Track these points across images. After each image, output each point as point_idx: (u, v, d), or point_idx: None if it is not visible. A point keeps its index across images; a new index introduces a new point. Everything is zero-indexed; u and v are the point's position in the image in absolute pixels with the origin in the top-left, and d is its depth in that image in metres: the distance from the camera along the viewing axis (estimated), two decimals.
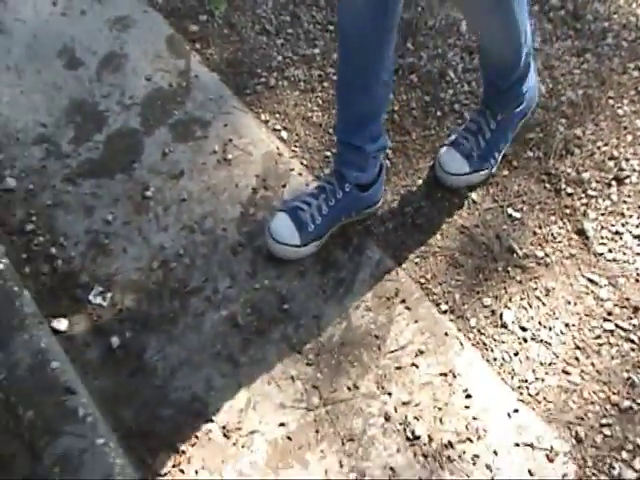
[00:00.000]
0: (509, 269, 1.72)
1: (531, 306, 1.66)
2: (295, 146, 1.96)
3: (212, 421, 1.49)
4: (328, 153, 1.95)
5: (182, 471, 1.42)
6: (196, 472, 1.42)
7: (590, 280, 1.69)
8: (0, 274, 1.57)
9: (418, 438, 1.46)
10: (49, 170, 1.88)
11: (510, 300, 1.67)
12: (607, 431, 1.48)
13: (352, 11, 1.51)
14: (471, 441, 1.46)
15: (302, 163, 1.91)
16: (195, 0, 2.30)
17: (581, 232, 1.77)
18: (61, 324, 1.61)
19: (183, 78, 2.07)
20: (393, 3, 1.48)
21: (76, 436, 1.31)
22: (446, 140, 1.86)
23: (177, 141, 1.94)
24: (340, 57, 1.62)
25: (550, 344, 1.60)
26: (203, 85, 2.07)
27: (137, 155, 1.92)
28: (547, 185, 1.87)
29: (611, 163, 1.89)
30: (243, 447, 1.46)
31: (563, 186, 1.86)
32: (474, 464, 1.43)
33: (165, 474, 1.41)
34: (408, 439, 1.47)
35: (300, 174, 1.89)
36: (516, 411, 1.50)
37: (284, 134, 2.01)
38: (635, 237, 1.76)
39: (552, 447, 1.45)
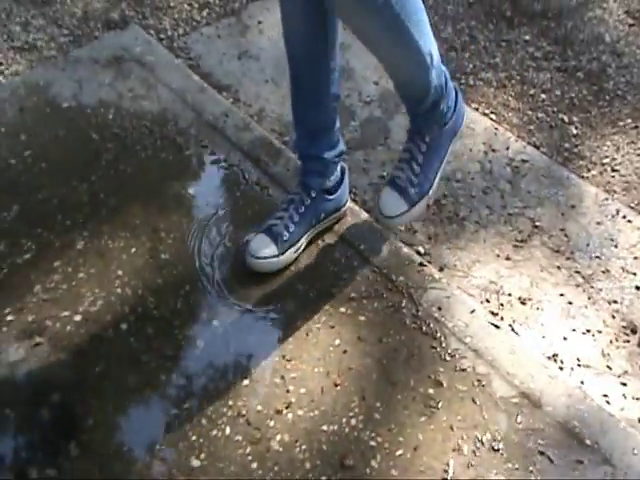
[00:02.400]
0: None
1: None
2: (504, 123, 2.56)
3: None
4: (530, 127, 2.54)
5: None
6: None
7: None
8: None
9: None
10: None
11: None
12: None
13: (295, 37, 1.63)
14: None
15: (513, 133, 2.49)
16: None
17: None
18: None
19: None
20: (331, 26, 1.59)
21: None
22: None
23: None
24: (290, 77, 1.71)
25: None
26: None
27: (387, 133, 2.50)
28: None
29: None
30: None
31: None
32: None
33: None
34: None
35: (516, 141, 2.47)
36: None
37: (492, 116, 2.61)
38: None
39: None
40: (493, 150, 2.44)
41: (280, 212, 1.80)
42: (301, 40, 1.63)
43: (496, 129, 2.53)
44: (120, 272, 1.81)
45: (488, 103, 2.67)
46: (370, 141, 2.44)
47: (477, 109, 2.63)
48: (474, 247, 2.13)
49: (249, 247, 1.78)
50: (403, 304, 1.79)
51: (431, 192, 1.81)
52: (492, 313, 1.89)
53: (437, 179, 1.82)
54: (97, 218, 1.93)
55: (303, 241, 1.84)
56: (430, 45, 1.51)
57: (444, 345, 1.72)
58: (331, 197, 1.86)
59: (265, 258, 1.77)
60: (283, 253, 1.78)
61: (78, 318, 1.71)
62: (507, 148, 2.45)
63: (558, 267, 2.07)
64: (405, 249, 1.93)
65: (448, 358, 1.69)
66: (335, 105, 1.76)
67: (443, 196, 2.28)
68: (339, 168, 1.87)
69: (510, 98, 2.69)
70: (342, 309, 1.78)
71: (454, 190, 2.30)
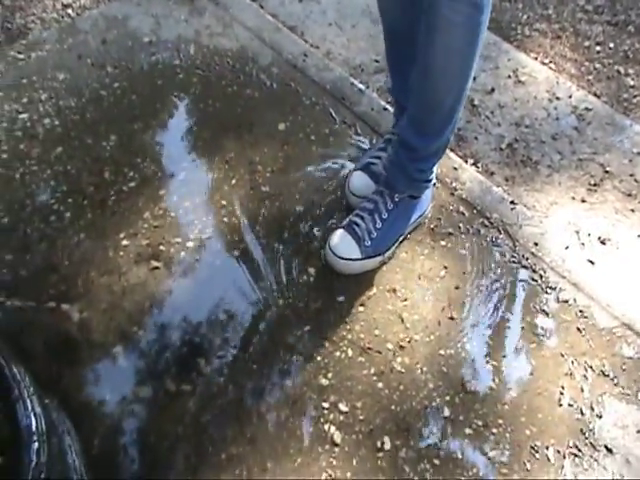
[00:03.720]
0: None
1: None
2: (564, 73, 2.61)
3: None
4: (589, 77, 2.59)
5: None
6: None
7: None
8: None
9: None
10: None
11: None
12: None
13: None
14: None
15: (573, 83, 2.55)
16: None
17: None
18: None
19: None
20: None
21: None
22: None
23: (481, 69, 2.58)
24: (384, 35, 1.74)
25: None
26: None
27: None
28: None
29: None
30: None
31: None
32: None
33: None
34: None
35: (577, 89, 2.52)
36: None
37: (552, 66, 2.66)
38: None
39: None
40: (557, 98, 2.49)
41: (378, 151, 1.83)
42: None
43: (557, 78, 2.57)
44: (224, 202, 1.84)
45: (546, 53, 2.72)
46: None
47: (536, 58, 2.67)
48: (550, 190, 2.19)
49: (350, 183, 1.80)
50: (500, 240, 1.85)
51: (386, 255, 1.74)
52: None
53: (393, 248, 1.75)
54: (194, 149, 1.94)
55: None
56: (464, 97, 1.55)
57: (544, 278, 1.78)
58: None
59: (363, 197, 1.77)
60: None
61: (190, 244, 1.73)
62: (570, 96, 2.50)
63: (632, 210, 2.15)
64: (495, 188, 1.98)
65: (549, 291, 1.76)
66: None
67: (515, 140, 2.33)
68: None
69: (566, 49, 2.74)
70: (443, 242, 1.83)
71: (524, 135, 2.35)
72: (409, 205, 1.76)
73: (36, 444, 1.08)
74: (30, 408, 1.10)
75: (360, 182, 1.79)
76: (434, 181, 1.80)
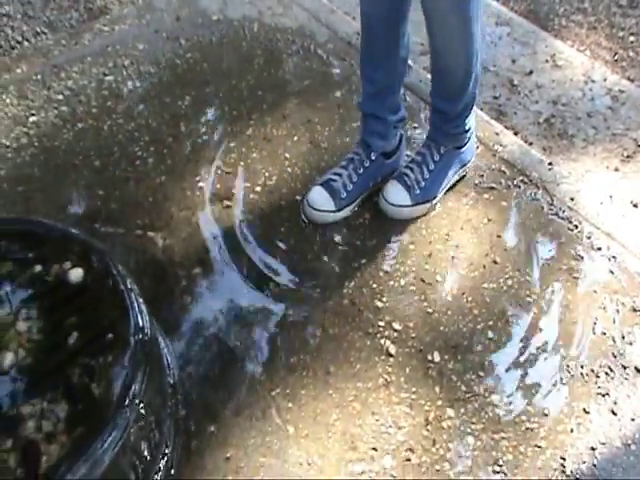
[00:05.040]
0: None
1: None
2: (599, 60, 2.78)
3: None
4: (623, 64, 2.77)
5: None
6: None
7: None
8: None
9: None
10: None
11: None
12: None
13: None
14: None
15: (608, 68, 2.71)
16: None
17: None
18: None
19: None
20: None
21: None
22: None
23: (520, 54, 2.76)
24: (364, 37, 1.75)
25: None
26: (518, 24, 2.90)
27: (495, 62, 2.73)
28: None
29: None
30: None
31: None
32: None
33: None
34: None
35: (611, 74, 2.69)
36: None
37: (587, 53, 2.83)
38: None
39: None
40: (592, 81, 2.67)
41: (339, 169, 1.87)
42: (377, 4, 1.66)
43: (592, 63, 2.75)
44: (287, 155, 2.04)
45: (582, 42, 2.90)
46: None
47: (572, 46, 2.85)
48: (585, 159, 2.36)
49: (308, 197, 1.85)
50: (539, 195, 2.02)
51: (435, 201, 1.90)
52: None
53: (439, 195, 1.91)
54: (259, 110, 2.15)
55: (358, 201, 1.90)
56: (479, 46, 1.65)
57: (579, 229, 1.94)
58: (388, 161, 1.92)
59: (322, 211, 1.85)
60: (340, 210, 1.86)
61: (258, 189, 1.93)
62: (604, 80, 2.68)
63: None
64: (534, 151, 2.16)
65: (584, 239, 1.92)
66: (403, 68, 1.82)
67: (552, 116, 2.50)
68: (398, 134, 1.93)
69: (601, 39, 2.92)
70: (486, 196, 2.01)
71: (561, 112, 2.53)
72: (453, 155, 1.91)
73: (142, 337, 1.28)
74: (138, 309, 1.30)
75: (319, 197, 1.85)
76: (473, 130, 1.94)
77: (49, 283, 1.34)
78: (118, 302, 1.28)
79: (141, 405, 1.20)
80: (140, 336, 1.25)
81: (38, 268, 1.37)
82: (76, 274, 1.36)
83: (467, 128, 1.89)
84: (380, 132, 1.87)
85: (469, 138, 1.94)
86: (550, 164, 2.12)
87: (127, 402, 1.17)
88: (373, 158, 1.89)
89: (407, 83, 2.29)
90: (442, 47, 1.67)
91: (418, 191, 1.86)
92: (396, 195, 1.86)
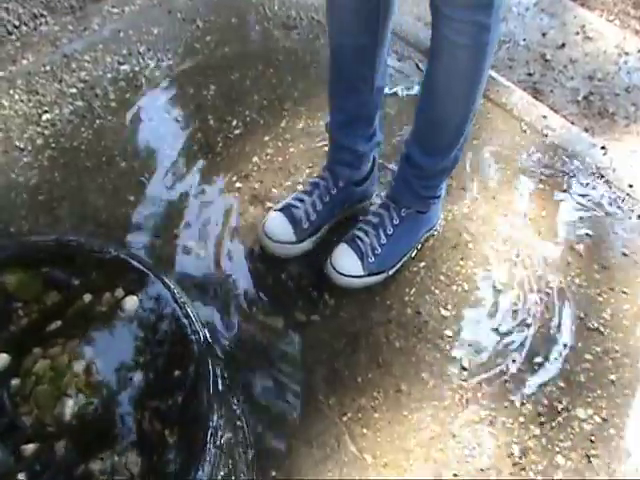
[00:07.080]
0: None
1: None
2: (629, 30, 2.65)
3: None
4: None
5: None
6: None
7: None
8: None
9: None
10: None
11: None
12: None
13: (343, 26, 1.43)
14: None
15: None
16: None
17: None
18: None
19: None
20: (384, 17, 1.40)
21: None
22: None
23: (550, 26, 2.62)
24: (332, 66, 1.52)
25: None
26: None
27: (525, 35, 2.59)
28: None
29: None
30: None
31: None
32: None
33: None
34: None
35: None
36: None
37: (617, 22, 2.70)
38: None
39: None
40: (626, 53, 2.54)
41: (302, 194, 1.63)
42: (350, 29, 1.41)
43: (624, 34, 2.62)
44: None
45: (610, 11, 2.76)
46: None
47: (601, 16, 2.71)
48: (629, 138, 2.25)
49: (266, 225, 1.60)
50: (595, 182, 1.90)
51: (391, 272, 1.62)
52: None
53: (398, 265, 1.63)
54: (291, 99, 1.98)
55: (323, 231, 1.66)
56: (471, 121, 1.44)
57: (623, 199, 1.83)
58: (358, 189, 1.67)
59: (281, 243, 1.60)
60: (302, 241, 1.61)
61: (300, 187, 1.78)
62: (639, 51, 2.55)
63: None
64: (584, 135, 2.03)
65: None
66: (378, 98, 1.57)
67: (590, 93, 2.38)
68: (371, 159, 1.67)
69: (629, 7, 2.78)
70: (541, 186, 1.88)
71: (598, 89, 2.40)
72: (416, 220, 1.64)
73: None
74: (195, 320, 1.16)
75: (277, 224, 1.60)
76: (443, 195, 1.66)
77: (103, 314, 1.19)
78: (179, 333, 1.14)
79: (221, 450, 1.07)
80: (211, 369, 1.11)
81: (88, 297, 1.21)
82: (131, 302, 1.21)
83: (438, 194, 1.63)
84: (349, 162, 1.62)
85: (436, 204, 1.66)
86: (603, 148, 1.99)
87: (207, 450, 1.04)
88: (341, 185, 1.64)
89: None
90: (444, 87, 1.39)
91: (372, 259, 1.57)
92: (346, 263, 1.57)
